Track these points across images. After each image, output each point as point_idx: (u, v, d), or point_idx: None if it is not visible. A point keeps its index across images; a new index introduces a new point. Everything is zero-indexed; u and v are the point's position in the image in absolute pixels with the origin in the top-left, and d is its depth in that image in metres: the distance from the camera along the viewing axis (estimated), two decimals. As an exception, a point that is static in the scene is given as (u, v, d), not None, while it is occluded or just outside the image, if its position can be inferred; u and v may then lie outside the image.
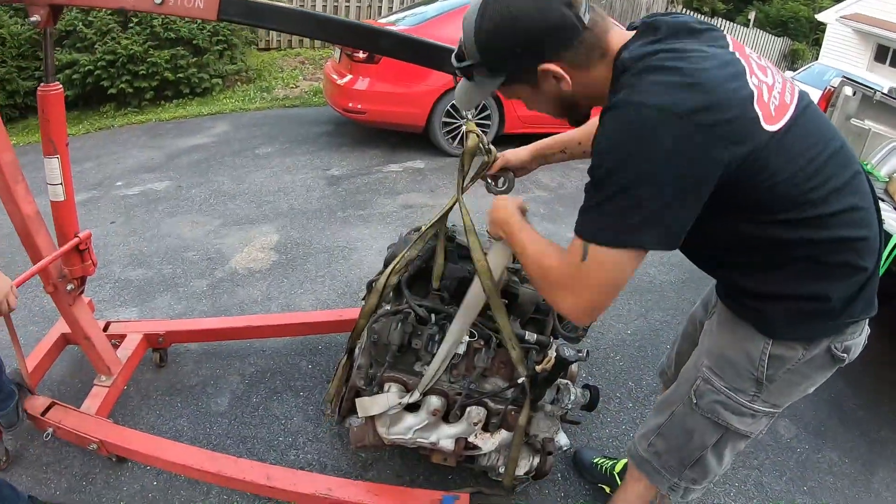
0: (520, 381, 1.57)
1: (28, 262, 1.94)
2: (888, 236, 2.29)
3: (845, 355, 1.19)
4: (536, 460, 1.82)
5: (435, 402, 1.67)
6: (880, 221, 1.17)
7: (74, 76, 6.38)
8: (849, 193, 1.08)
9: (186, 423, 2.28)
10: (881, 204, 2.63)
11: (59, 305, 2.12)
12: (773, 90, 1.03)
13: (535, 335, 1.67)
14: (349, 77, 5.13)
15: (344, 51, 5.18)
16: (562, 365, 1.53)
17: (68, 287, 2.05)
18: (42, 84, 1.80)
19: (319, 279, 3.32)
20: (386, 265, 1.85)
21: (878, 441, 2.53)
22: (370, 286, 1.82)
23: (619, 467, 2.06)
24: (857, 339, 1.22)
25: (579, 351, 1.54)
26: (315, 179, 4.79)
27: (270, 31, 9.22)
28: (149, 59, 6.50)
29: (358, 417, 1.89)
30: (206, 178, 4.70)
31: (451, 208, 1.74)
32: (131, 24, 6.64)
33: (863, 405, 2.74)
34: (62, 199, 1.95)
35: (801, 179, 1.02)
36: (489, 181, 1.75)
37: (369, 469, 2.09)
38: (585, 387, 1.72)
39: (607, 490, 2.11)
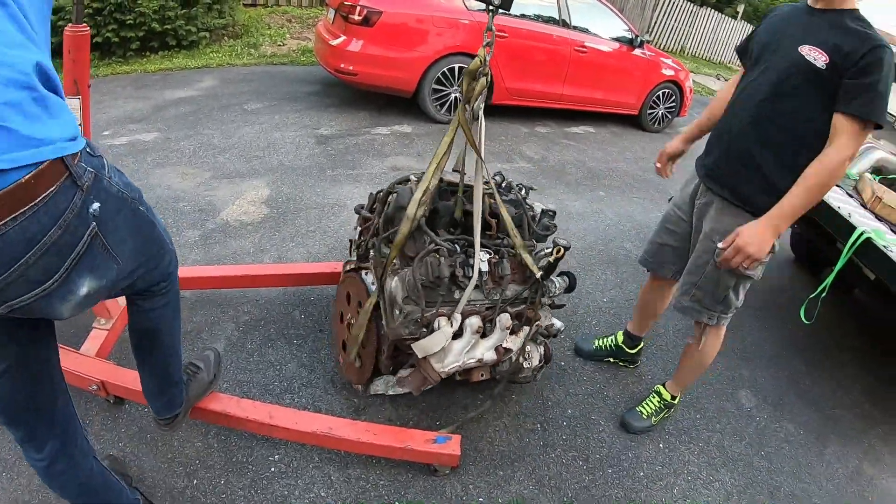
0: (538, 275, 1.84)
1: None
2: (852, 229, 2.40)
3: None
4: (542, 349, 2.11)
5: (475, 321, 1.84)
6: None
7: (60, 23, 6.15)
8: None
9: (182, 365, 2.32)
10: (850, 199, 2.78)
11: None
12: None
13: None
14: (342, 38, 5.10)
15: (339, 12, 5.14)
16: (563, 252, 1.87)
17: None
18: (70, 25, 1.79)
19: (310, 234, 3.37)
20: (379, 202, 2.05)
21: (832, 417, 2.72)
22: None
23: (619, 338, 2.65)
24: None
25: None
26: (304, 138, 4.79)
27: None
28: (136, 9, 6.30)
29: (380, 381, 2.05)
30: (194, 131, 4.66)
31: (453, 136, 1.81)
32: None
33: (819, 384, 2.93)
34: (80, 139, 1.97)
35: None
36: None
37: (362, 414, 2.18)
38: (561, 274, 2.02)
39: (612, 360, 2.69)
